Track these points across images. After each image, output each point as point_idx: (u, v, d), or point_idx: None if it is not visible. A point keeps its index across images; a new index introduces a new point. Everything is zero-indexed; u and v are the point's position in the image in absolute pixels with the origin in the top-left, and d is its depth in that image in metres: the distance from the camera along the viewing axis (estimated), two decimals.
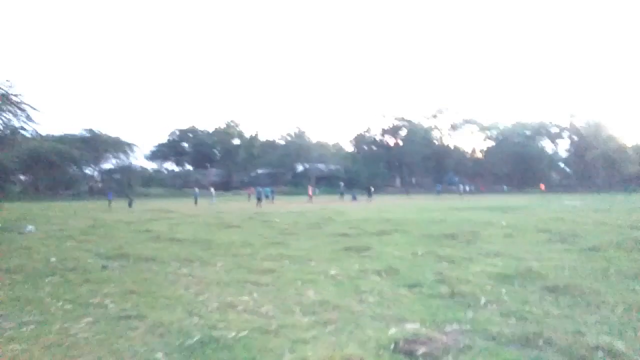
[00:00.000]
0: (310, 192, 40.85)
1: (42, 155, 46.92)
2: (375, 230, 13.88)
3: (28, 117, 21.61)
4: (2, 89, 19.37)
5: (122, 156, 59.34)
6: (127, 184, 54.13)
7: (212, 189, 40.68)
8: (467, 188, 49.47)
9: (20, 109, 20.24)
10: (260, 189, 33.95)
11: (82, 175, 57.74)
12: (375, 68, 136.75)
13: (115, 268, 7.97)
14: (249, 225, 16.52)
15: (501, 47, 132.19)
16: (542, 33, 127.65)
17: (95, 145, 56.11)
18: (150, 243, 11.48)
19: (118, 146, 59.34)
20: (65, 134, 58.15)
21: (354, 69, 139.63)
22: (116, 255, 9.42)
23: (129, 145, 60.63)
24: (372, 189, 41.96)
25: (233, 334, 4.36)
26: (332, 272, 7.46)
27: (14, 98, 19.86)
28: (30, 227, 14.85)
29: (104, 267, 7.88)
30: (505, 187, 63.55)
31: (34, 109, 21.48)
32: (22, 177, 54.60)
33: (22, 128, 23.51)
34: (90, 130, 59.30)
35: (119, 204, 31.51)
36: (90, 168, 59.01)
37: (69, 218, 20.31)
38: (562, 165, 75.40)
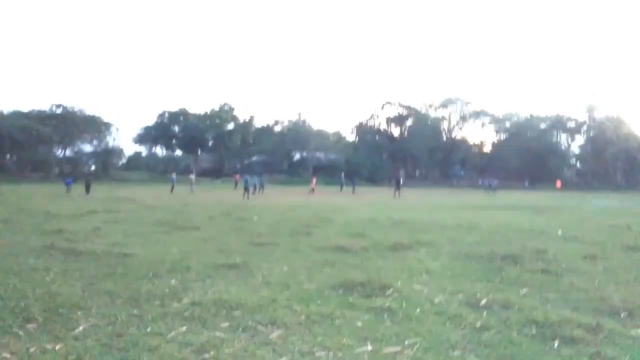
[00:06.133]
0: (313, 184, 35.69)
1: (3, 132, 41.96)
2: (389, 242, 9.46)
3: None
4: None
5: (99, 137, 53.93)
6: (96, 167, 49.24)
7: (192, 176, 35.63)
8: (493, 184, 43.32)
9: None
10: (247, 177, 29.16)
11: (52, 156, 52.48)
12: (381, 53, 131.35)
13: None
14: (213, 226, 12.07)
15: (516, 34, 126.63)
16: (561, 20, 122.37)
17: (67, 123, 50.55)
18: (24, 257, 7.07)
19: (94, 125, 53.49)
20: (32, 110, 51.95)
21: (358, 53, 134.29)
22: None
23: (106, 124, 54.95)
24: (401, 181, 34.47)
25: None
26: None
27: None
28: None
29: None
30: (526, 182, 57.56)
31: None
32: None
33: None
34: (62, 107, 53.27)
35: (79, 190, 26.93)
36: (62, 148, 53.70)
37: None
38: (576, 161, 70.92)
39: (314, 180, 36.91)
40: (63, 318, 4.40)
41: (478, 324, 4.37)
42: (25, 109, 51.77)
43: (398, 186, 32.17)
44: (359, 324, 4.34)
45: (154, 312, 4.53)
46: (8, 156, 50.32)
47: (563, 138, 67.50)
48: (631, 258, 8.40)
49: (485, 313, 4.74)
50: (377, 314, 4.67)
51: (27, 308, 4.63)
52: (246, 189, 26.60)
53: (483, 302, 5.10)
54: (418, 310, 4.80)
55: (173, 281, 5.82)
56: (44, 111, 52.90)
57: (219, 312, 4.52)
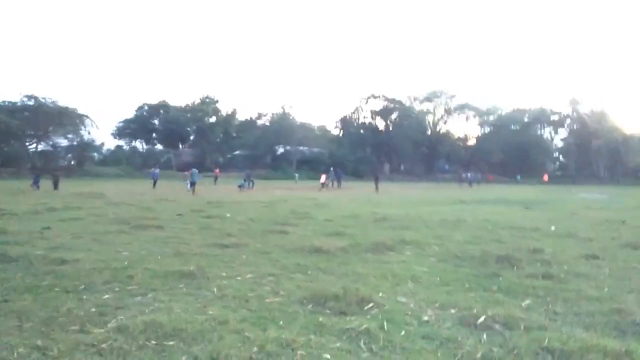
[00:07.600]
0: (323, 179, 33.38)
1: None
2: (371, 241, 8.51)
3: None
4: None
5: (74, 130, 51.50)
6: (70, 162, 46.99)
7: (188, 173, 32.33)
8: (472, 176, 42.36)
9: None
10: (195, 170, 27.08)
11: (24, 150, 50.29)
12: (366, 46, 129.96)
13: None
14: (179, 225, 11.00)
15: (500, 27, 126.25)
16: (545, 15, 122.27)
17: (40, 116, 48.03)
18: None
19: (69, 118, 50.61)
20: (2, 102, 49.21)
21: (343, 45, 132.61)
22: None
23: (82, 117, 52.09)
24: (379, 176, 34.23)
25: None
26: None
27: None
28: None
29: None
30: (518, 177, 56.15)
31: None
32: None
33: None
34: (33, 98, 50.07)
35: (47, 186, 25.45)
36: (36, 142, 51.19)
37: None
38: (559, 155, 70.88)
39: (324, 176, 34.13)
40: None
41: (479, 354, 3.44)
42: None
43: (377, 181, 32.10)
44: (327, 356, 3.38)
45: (63, 344, 3.50)
46: None
47: (546, 131, 67.42)
48: (636, 258, 7.63)
49: (485, 336, 3.82)
50: (351, 339, 3.71)
51: None
52: (192, 183, 25.31)
53: (481, 319, 4.18)
54: (403, 332, 3.87)
55: (106, 296, 4.79)
56: (15, 103, 50.18)
57: (148, 343, 3.51)
